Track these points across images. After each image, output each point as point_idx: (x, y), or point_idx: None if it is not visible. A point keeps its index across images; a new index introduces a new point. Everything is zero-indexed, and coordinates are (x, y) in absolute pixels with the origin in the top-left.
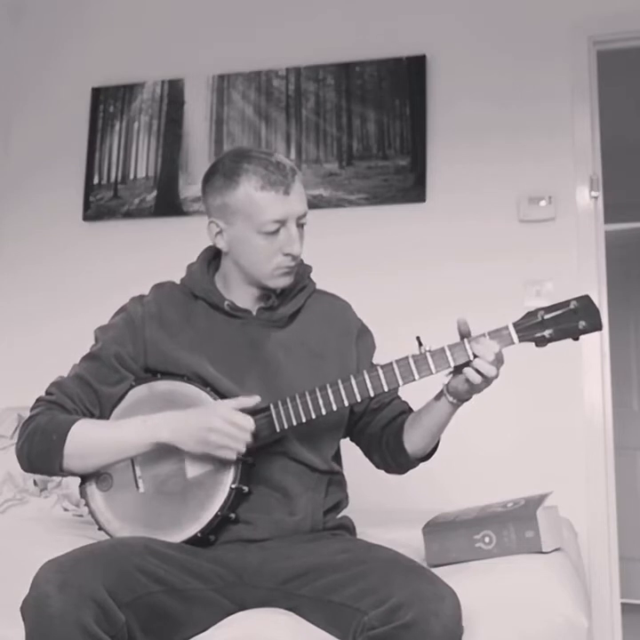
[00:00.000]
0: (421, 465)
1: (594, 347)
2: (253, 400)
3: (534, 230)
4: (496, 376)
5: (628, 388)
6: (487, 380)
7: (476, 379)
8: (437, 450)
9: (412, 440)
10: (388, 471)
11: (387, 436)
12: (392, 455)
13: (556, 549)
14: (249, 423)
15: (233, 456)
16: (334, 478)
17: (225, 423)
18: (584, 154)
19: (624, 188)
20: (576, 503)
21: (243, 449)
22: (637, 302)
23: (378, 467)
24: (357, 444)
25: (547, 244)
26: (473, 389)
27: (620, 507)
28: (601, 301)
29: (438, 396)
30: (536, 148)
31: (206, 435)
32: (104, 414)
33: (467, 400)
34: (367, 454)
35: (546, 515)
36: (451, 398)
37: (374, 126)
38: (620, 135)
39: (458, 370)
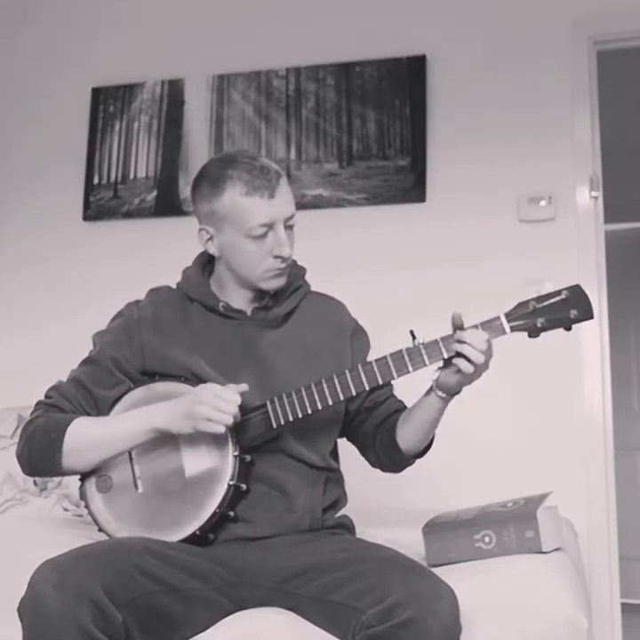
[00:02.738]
0: (421, 465)
1: (594, 346)
2: (241, 388)
3: (534, 230)
4: (486, 366)
5: (628, 389)
6: (478, 370)
7: (468, 368)
8: (431, 447)
9: (405, 437)
10: (383, 470)
11: (381, 433)
12: (386, 452)
13: (556, 549)
14: (235, 396)
15: (220, 429)
16: (332, 475)
17: (211, 396)
18: (584, 154)
19: (624, 187)
20: (576, 503)
21: (229, 421)
22: (637, 302)
23: (373, 465)
24: (353, 443)
25: (547, 244)
26: (464, 380)
27: (620, 507)
28: (601, 301)
29: (428, 392)
30: (536, 148)
31: (193, 408)
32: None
33: (456, 393)
34: (362, 453)
35: (546, 515)
36: (440, 393)
37: (374, 126)
38: (620, 135)
39: (447, 363)
